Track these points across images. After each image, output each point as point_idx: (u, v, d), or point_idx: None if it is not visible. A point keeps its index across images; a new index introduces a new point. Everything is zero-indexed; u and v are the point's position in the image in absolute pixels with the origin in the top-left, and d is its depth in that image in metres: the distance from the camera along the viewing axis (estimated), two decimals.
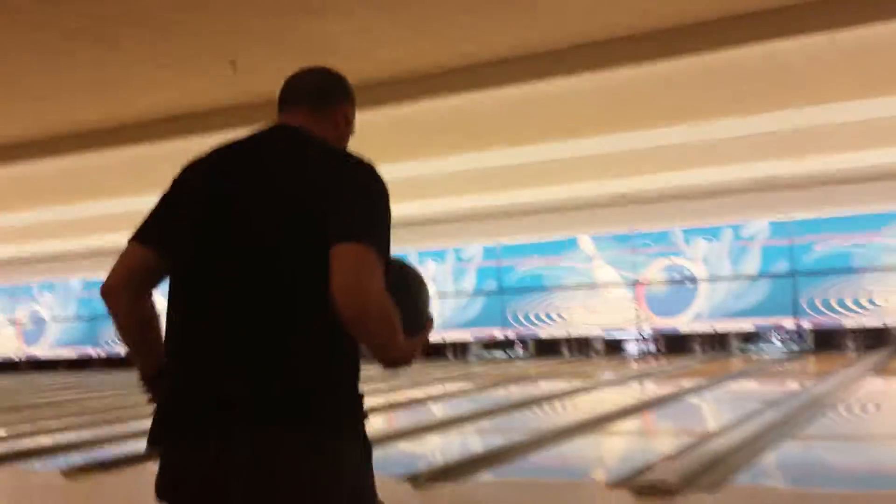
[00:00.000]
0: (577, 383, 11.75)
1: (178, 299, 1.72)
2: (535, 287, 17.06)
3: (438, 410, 9.54)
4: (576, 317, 16.79)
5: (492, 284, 16.89)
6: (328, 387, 1.63)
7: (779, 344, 15.53)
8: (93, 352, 20.94)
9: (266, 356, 1.61)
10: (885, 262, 14.35)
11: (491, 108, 9.74)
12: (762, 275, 15.27)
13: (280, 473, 1.56)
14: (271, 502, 1.56)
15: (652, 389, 11.60)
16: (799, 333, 15.24)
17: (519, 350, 17.61)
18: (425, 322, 1.84)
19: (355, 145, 1.90)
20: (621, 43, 8.34)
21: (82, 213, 15.03)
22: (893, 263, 14.30)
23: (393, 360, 1.69)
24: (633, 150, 11.51)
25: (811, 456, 6.60)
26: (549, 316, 17.01)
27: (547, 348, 17.20)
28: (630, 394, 11.08)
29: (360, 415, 1.70)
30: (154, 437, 1.70)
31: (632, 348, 16.82)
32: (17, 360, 22.06)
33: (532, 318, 17.10)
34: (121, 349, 19.90)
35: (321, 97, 1.86)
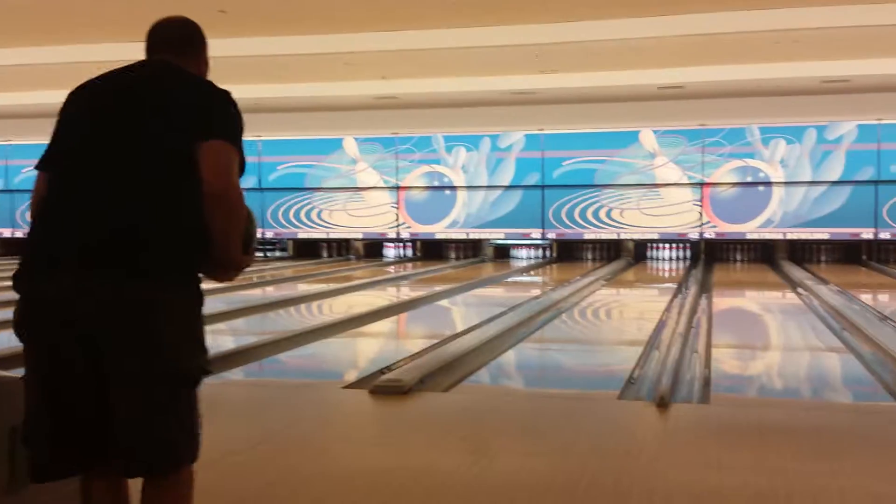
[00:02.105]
0: (333, 285, 11.76)
1: (53, 181, 2.08)
2: (295, 187, 16.79)
3: None
4: (337, 219, 16.76)
5: (251, 181, 16.40)
6: (167, 249, 1.99)
7: (526, 252, 16.40)
8: (7, 232, 17.94)
9: (119, 221, 1.96)
10: (624, 179, 15.45)
11: None
12: (515, 186, 15.94)
13: (116, 309, 1.94)
14: (108, 335, 1.94)
15: (405, 293, 11.87)
16: (544, 243, 16.16)
17: (277, 250, 17.37)
18: (251, 249, 2.22)
19: None
20: None
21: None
22: (629, 181, 15.44)
23: (227, 262, 2.11)
24: (396, 53, 11.37)
25: (545, 358, 7.03)
26: (309, 217, 16.86)
27: (306, 249, 17.11)
28: (384, 296, 11.27)
29: (195, 274, 2.06)
30: (17, 276, 2.03)
31: (390, 252, 17.10)
32: None
33: (292, 218, 16.87)
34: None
35: (186, 44, 2.25)
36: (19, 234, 17.88)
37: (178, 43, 2.25)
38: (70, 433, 2.00)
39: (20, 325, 2.03)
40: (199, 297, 2.09)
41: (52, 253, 2.01)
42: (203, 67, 2.29)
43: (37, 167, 2.16)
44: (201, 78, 2.21)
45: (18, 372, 2.17)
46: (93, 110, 2.13)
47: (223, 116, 2.10)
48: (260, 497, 3.04)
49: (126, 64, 2.23)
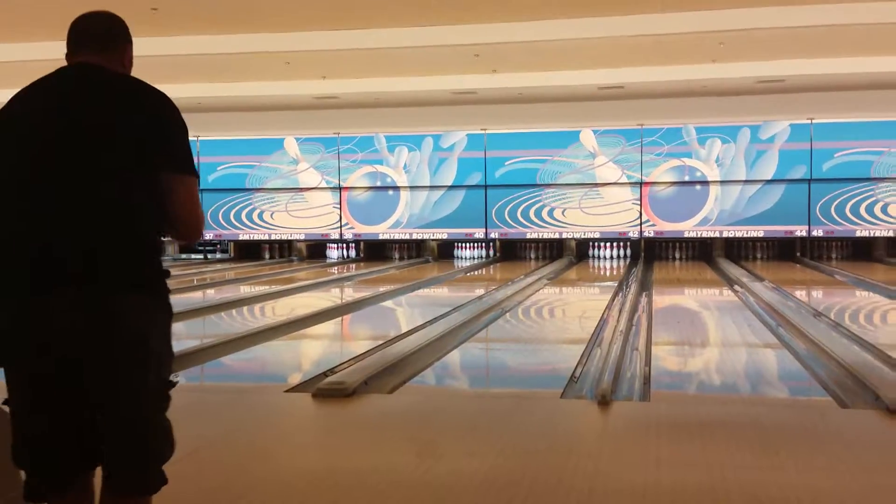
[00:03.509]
0: (275, 287, 11.64)
1: (11, 198, 2.03)
2: (236, 187, 16.58)
3: None
4: (278, 220, 16.60)
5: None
6: (141, 267, 2.03)
7: (469, 252, 16.45)
8: None
9: (83, 237, 1.96)
10: (564, 179, 15.60)
11: None
12: (458, 186, 15.98)
13: (104, 321, 1.96)
14: (92, 346, 1.95)
15: (349, 294, 11.80)
16: (488, 243, 16.24)
17: (217, 252, 17.14)
18: None
19: None
20: None
21: None
22: (570, 180, 15.61)
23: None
24: (336, 53, 11.31)
25: (490, 357, 7.06)
26: (250, 218, 16.67)
27: (248, 251, 16.91)
28: (327, 298, 11.19)
29: (165, 287, 2.10)
30: None
31: (333, 253, 17.00)
32: None
33: (232, 218, 16.66)
34: None
35: (110, 40, 2.18)
36: None
37: (102, 40, 2.17)
38: (56, 452, 2.02)
39: None
40: (169, 309, 2.11)
41: (21, 279, 1.98)
42: (127, 65, 2.23)
43: None
44: (141, 89, 2.11)
45: None
46: (32, 140, 2.03)
47: (187, 147, 2.12)
48: (205, 498, 2.99)
49: (49, 74, 2.12)
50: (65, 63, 2.18)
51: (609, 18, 10.01)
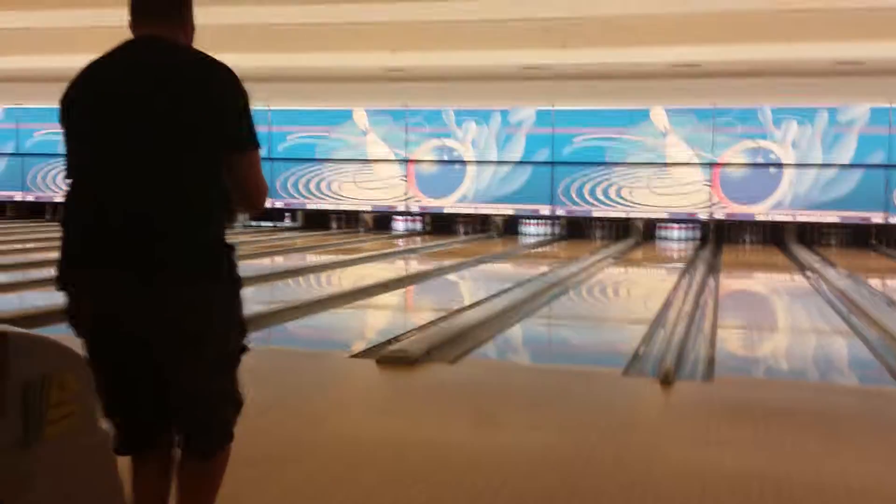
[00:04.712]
0: (342, 256, 11.80)
1: (88, 177, 2.09)
2: (306, 157, 16.79)
3: None
4: (346, 191, 16.77)
5: (261, 151, 16.35)
6: (206, 246, 2.08)
7: (535, 229, 16.39)
8: (18, 195, 17.97)
9: (162, 223, 2.02)
10: (632, 158, 15.40)
11: None
12: (525, 162, 15.91)
13: (165, 303, 2.02)
14: (155, 325, 2.02)
15: (413, 266, 11.90)
16: (553, 220, 16.15)
17: (287, 220, 17.41)
18: None
19: None
20: None
21: (4, 23, 11.81)
22: (639, 160, 15.40)
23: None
24: (405, 24, 11.32)
25: (552, 333, 7.07)
26: (318, 188, 16.87)
27: (315, 220, 17.13)
28: (392, 269, 11.30)
29: (232, 263, 2.14)
30: (63, 276, 2.08)
31: (399, 225, 17.12)
32: None
33: (301, 188, 16.88)
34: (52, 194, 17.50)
35: (173, 10, 2.18)
36: (30, 197, 17.96)
37: (165, 10, 2.17)
38: (136, 412, 2.15)
39: (72, 319, 2.10)
40: (237, 283, 2.16)
41: (91, 255, 2.06)
42: (190, 32, 2.23)
43: (66, 176, 2.16)
44: (206, 64, 2.11)
45: (43, 330, 2.22)
46: (111, 116, 2.07)
47: (249, 121, 2.14)
48: (268, 460, 3.09)
49: (116, 46, 2.13)
50: (128, 30, 2.19)
51: None
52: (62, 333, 2.16)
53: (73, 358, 2.10)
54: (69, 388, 2.05)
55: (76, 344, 2.16)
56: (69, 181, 2.13)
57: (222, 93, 2.10)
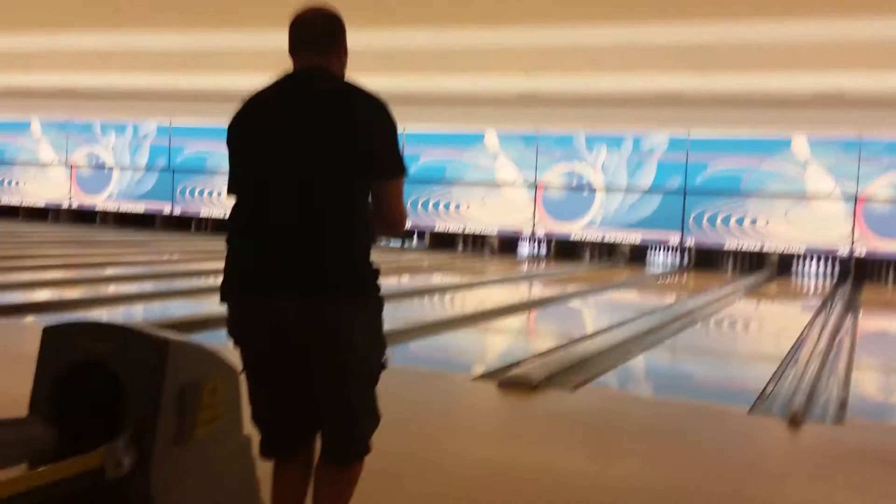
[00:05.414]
0: (466, 278, 11.95)
1: (247, 198, 2.26)
2: (436, 179, 17.08)
3: None
4: (474, 213, 16.95)
5: None
6: (353, 269, 2.22)
7: (663, 258, 16.09)
8: (166, 207, 19.14)
9: (313, 247, 2.16)
10: (770, 188, 14.91)
11: None
12: (655, 189, 15.67)
13: (321, 324, 2.16)
14: (309, 343, 2.17)
15: (537, 291, 11.91)
16: (682, 250, 15.82)
17: (414, 240, 17.74)
18: None
19: None
20: None
21: (162, 44, 12.33)
22: (777, 190, 14.89)
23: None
24: (541, 48, 11.39)
25: (675, 366, 6.94)
26: (447, 209, 17.13)
27: (442, 241, 17.38)
28: (516, 293, 11.35)
29: (376, 285, 2.27)
30: (225, 291, 2.26)
31: (524, 249, 17.16)
32: (65, 207, 19.81)
33: (430, 209, 17.18)
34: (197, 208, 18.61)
35: (329, 42, 2.29)
36: (178, 211, 19.01)
37: (321, 42, 2.28)
38: (283, 420, 2.31)
39: (232, 332, 2.27)
40: (380, 303, 2.29)
41: (252, 271, 2.21)
42: (344, 59, 2.34)
43: (229, 191, 2.33)
44: (359, 97, 2.24)
45: (196, 337, 2.40)
46: (264, 148, 2.23)
47: (397, 149, 2.26)
48: (385, 475, 3.19)
49: (277, 77, 2.29)
50: (275, 54, 2.36)
51: (829, 20, 9.46)
52: (207, 342, 2.33)
53: (224, 365, 2.30)
54: (219, 394, 2.24)
55: (226, 352, 2.34)
56: (234, 198, 2.31)
57: (372, 122, 2.21)
